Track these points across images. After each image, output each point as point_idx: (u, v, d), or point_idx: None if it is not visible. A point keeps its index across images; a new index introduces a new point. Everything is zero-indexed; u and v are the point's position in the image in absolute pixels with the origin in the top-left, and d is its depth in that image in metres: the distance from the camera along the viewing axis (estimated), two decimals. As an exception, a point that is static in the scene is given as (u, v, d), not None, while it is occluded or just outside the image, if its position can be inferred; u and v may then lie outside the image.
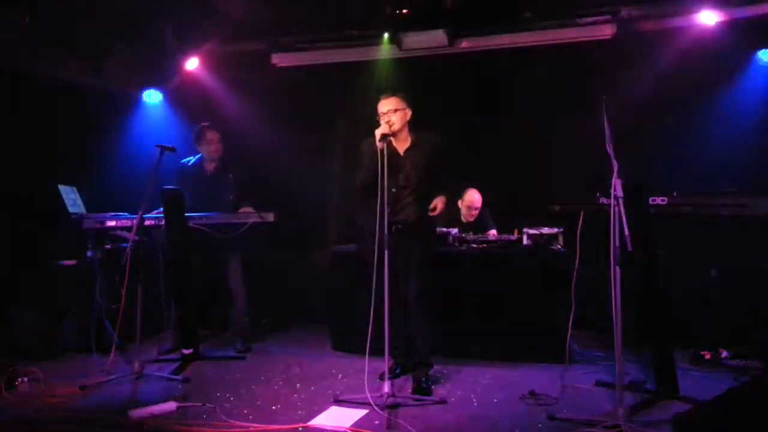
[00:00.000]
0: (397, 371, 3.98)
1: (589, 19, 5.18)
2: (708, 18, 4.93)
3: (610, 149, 3.15)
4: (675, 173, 4.87)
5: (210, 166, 4.78)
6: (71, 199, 4.54)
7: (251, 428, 3.10)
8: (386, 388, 3.36)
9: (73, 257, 4.77)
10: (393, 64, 5.72)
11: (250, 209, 4.55)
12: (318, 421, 3.21)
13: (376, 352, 3.42)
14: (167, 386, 3.86)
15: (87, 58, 5.49)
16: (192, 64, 5.84)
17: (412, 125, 3.87)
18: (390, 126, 3.69)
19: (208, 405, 3.42)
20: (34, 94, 4.95)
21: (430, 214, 3.75)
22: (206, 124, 4.79)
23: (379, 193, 3.47)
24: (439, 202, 3.74)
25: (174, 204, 4.28)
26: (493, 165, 5.48)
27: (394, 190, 3.63)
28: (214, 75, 5.98)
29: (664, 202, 3.75)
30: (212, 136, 4.72)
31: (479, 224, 5.31)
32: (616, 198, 3.05)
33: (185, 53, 5.76)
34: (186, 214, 4.36)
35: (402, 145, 3.83)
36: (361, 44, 5.70)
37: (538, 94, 5.46)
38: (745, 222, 3.90)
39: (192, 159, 4.81)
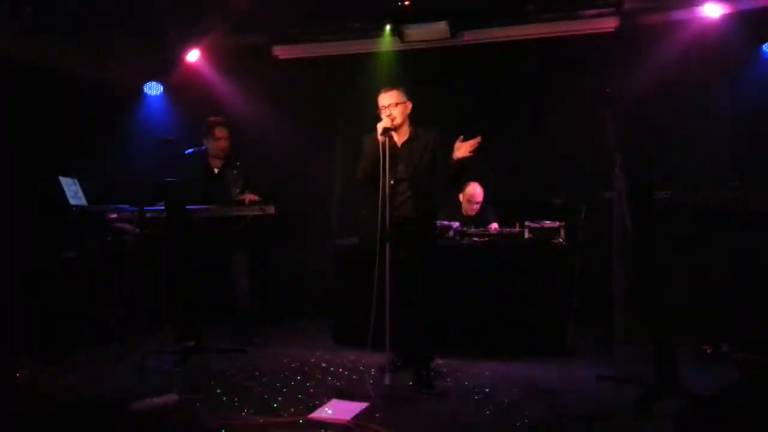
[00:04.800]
0: (398, 364, 3.97)
1: (593, 12, 5.15)
2: (712, 10, 4.89)
3: (613, 143, 3.14)
4: (679, 167, 4.85)
5: (216, 163, 4.75)
6: (72, 191, 4.53)
7: (252, 420, 3.10)
8: (387, 381, 3.36)
9: (74, 249, 4.77)
10: (395, 56, 5.69)
11: (253, 196, 4.52)
12: (319, 413, 3.21)
13: (378, 345, 3.43)
14: (168, 378, 3.87)
15: (88, 51, 5.48)
16: (193, 56, 5.82)
17: (413, 118, 3.85)
18: (392, 120, 3.68)
19: (209, 397, 3.42)
20: (34, 86, 4.94)
21: (455, 156, 3.64)
22: (216, 119, 4.73)
23: (380, 186, 3.48)
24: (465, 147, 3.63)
25: (174, 196, 4.27)
26: (494, 158, 5.47)
27: (392, 182, 3.62)
28: (216, 67, 5.96)
29: (668, 196, 3.74)
30: (221, 132, 4.67)
31: (481, 218, 5.30)
32: (619, 192, 3.04)
33: (186, 45, 5.75)
34: (187, 207, 4.35)
35: (401, 137, 3.82)
36: (363, 36, 5.68)
37: (540, 87, 5.45)
38: (749, 216, 3.89)
39: (195, 151, 4.77)
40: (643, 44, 5.11)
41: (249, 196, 4.51)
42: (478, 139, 3.61)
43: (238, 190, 4.67)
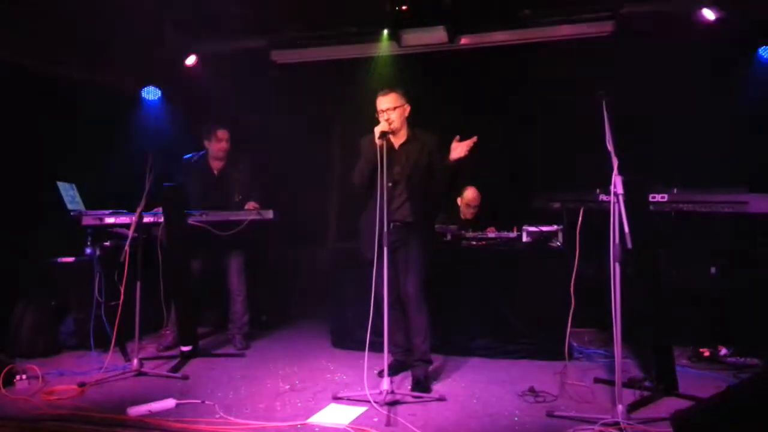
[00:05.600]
0: (397, 368, 3.97)
1: (589, 16, 5.17)
2: (709, 14, 4.91)
3: (610, 146, 3.15)
4: (675, 170, 4.86)
5: (216, 165, 4.76)
6: (70, 195, 4.54)
7: (250, 425, 3.09)
8: (385, 385, 3.35)
9: (72, 254, 4.76)
10: (392, 61, 5.70)
11: (255, 204, 4.53)
12: (317, 418, 3.21)
13: (376, 349, 3.42)
14: (166, 384, 3.86)
15: (86, 55, 5.48)
16: (191, 60, 5.83)
17: (411, 122, 3.86)
18: (390, 124, 3.68)
19: (207, 402, 3.42)
20: (33, 91, 4.94)
21: (452, 157, 3.65)
22: (217, 121, 4.75)
23: (377, 190, 3.48)
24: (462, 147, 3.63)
25: (173, 201, 4.27)
26: (492, 162, 5.48)
27: (390, 184, 3.62)
28: (214, 72, 5.96)
29: (664, 199, 3.75)
30: (223, 134, 4.69)
31: (478, 221, 5.31)
32: (616, 195, 3.05)
33: (185, 50, 5.75)
34: (185, 211, 4.35)
35: (398, 139, 3.82)
36: (361, 41, 5.69)
37: (537, 91, 5.46)
38: (745, 219, 3.90)
39: (195, 155, 4.77)
40: (640, 48, 5.13)
41: (252, 204, 4.52)
42: (474, 139, 3.61)
43: (239, 197, 4.68)
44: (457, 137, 3.66)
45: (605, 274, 3.15)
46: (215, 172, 4.76)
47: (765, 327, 4.05)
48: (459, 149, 3.64)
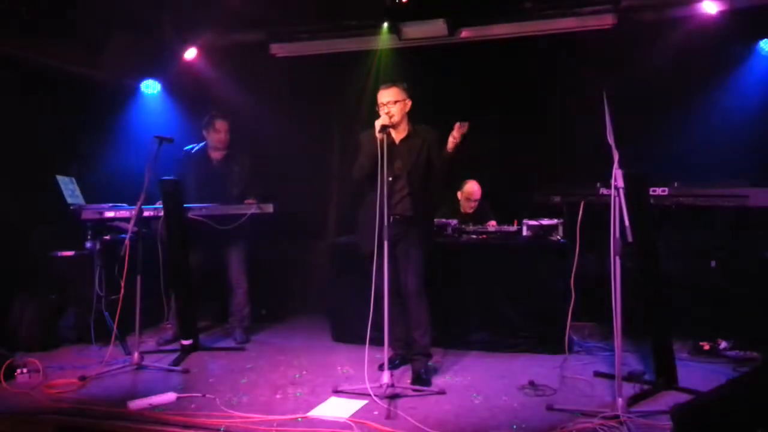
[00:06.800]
0: (397, 362, 3.98)
1: (590, 9, 5.14)
2: (710, 7, 4.89)
3: (611, 139, 3.14)
4: (676, 164, 4.85)
5: (216, 156, 4.76)
6: (70, 189, 4.54)
7: (251, 418, 3.10)
8: (385, 378, 3.36)
9: (72, 248, 4.76)
10: (392, 54, 5.68)
11: (252, 201, 4.53)
12: (318, 411, 3.22)
13: (376, 342, 3.43)
14: (167, 377, 3.87)
15: (85, 48, 5.46)
16: (190, 54, 5.81)
17: (412, 115, 3.85)
18: (390, 117, 3.67)
19: (207, 396, 3.43)
20: (31, 84, 4.92)
21: (449, 147, 3.63)
22: (217, 112, 4.77)
23: (377, 184, 3.47)
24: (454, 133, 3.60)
25: (173, 195, 4.27)
26: (492, 155, 5.47)
27: (390, 179, 3.61)
28: (213, 65, 5.94)
29: (665, 193, 3.74)
30: (221, 125, 4.71)
31: (479, 215, 5.30)
32: (617, 188, 3.04)
33: (184, 43, 5.73)
34: (185, 205, 4.35)
35: (399, 134, 3.81)
36: (361, 34, 5.66)
37: (538, 84, 5.44)
38: (746, 213, 3.89)
39: (195, 146, 4.79)
40: (641, 41, 5.10)
41: (250, 202, 4.52)
42: (467, 124, 3.57)
43: (237, 189, 4.68)
44: (457, 125, 3.62)
45: (605, 267, 3.15)
46: (215, 163, 4.76)
47: (765, 320, 4.05)
48: (452, 137, 3.61)
